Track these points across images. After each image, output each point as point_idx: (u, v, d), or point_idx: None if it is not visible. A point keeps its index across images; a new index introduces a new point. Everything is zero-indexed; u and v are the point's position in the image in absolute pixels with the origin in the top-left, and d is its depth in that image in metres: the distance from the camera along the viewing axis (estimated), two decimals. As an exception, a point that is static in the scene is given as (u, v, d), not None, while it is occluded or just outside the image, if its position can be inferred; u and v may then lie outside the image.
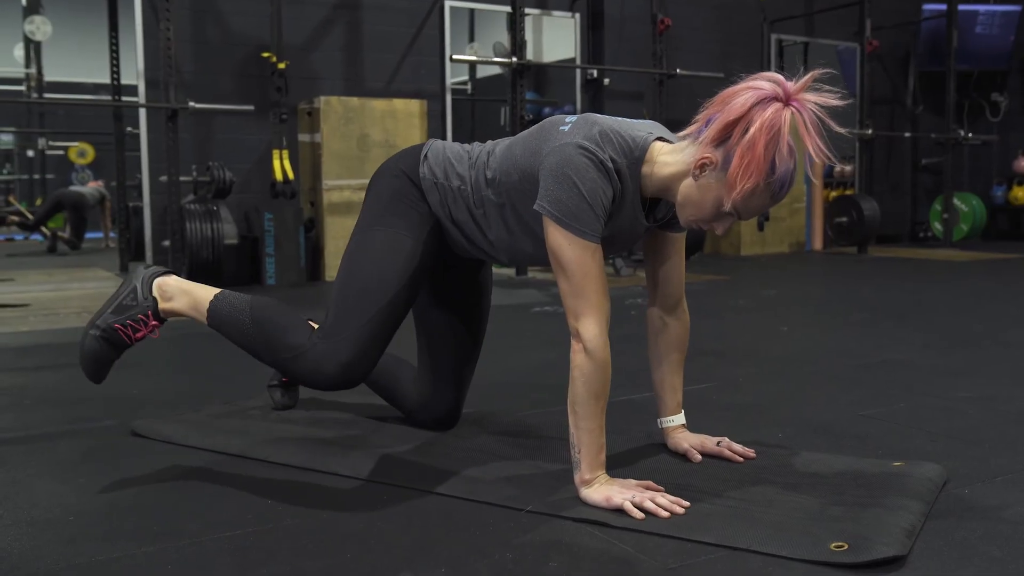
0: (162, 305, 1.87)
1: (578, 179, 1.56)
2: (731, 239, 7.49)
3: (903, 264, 6.63)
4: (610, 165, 1.58)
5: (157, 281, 1.89)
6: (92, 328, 1.87)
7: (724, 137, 1.50)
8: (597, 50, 7.16)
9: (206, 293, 1.87)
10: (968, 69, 8.67)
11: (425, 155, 1.85)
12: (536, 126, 1.72)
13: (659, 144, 1.63)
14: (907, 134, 8.45)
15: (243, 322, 1.80)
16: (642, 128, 1.66)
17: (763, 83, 1.50)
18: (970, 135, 8.13)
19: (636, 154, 1.61)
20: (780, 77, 1.50)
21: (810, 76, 1.50)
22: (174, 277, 1.92)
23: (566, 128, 1.62)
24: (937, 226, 8.59)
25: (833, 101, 1.49)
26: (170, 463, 1.89)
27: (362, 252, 1.79)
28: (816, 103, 1.49)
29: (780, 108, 1.48)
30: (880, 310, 4.18)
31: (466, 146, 1.86)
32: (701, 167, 1.54)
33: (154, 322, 1.87)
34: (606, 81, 7.02)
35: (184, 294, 1.88)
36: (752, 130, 1.47)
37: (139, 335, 1.86)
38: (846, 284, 5.42)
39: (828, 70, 1.54)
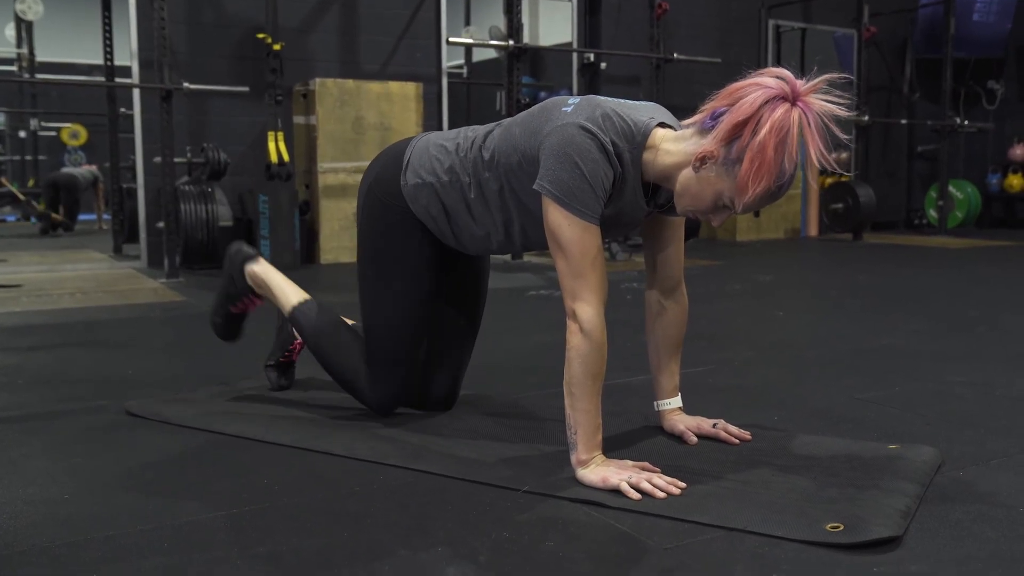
0: (257, 291, 2.17)
1: (580, 159, 1.55)
2: (727, 225, 7.49)
3: (898, 251, 6.64)
4: (610, 148, 1.57)
5: (248, 271, 2.16)
6: (217, 317, 2.23)
7: (733, 136, 1.49)
8: (594, 34, 7.13)
9: (289, 300, 2.12)
10: (965, 56, 8.65)
11: (408, 160, 1.85)
12: (537, 106, 1.71)
13: (661, 131, 1.62)
14: (903, 121, 8.44)
15: (316, 352, 2.08)
16: (644, 112, 1.65)
17: (770, 80, 1.48)
18: (966, 122, 8.12)
19: (638, 139, 1.60)
20: (787, 73, 1.49)
21: (822, 79, 1.49)
22: (262, 267, 2.17)
23: (568, 109, 1.61)
24: (932, 213, 8.60)
25: (839, 111, 1.48)
26: (165, 443, 1.89)
27: (378, 304, 1.94)
28: (823, 107, 1.47)
29: (789, 109, 1.46)
30: (875, 296, 4.19)
31: (457, 135, 1.85)
32: (702, 160, 1.53)
33: (259, 300, 2.20)
34: (603, 65, 6.99)
35: (271, 293, 2.15)
36: (762, 133, 1.45)
37: (253, 307, 2.22)
38: (841, 270, 5.43)
39: (844, 75, 1.53)
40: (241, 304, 2.18)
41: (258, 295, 2.16)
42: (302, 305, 2.09)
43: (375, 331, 1.94)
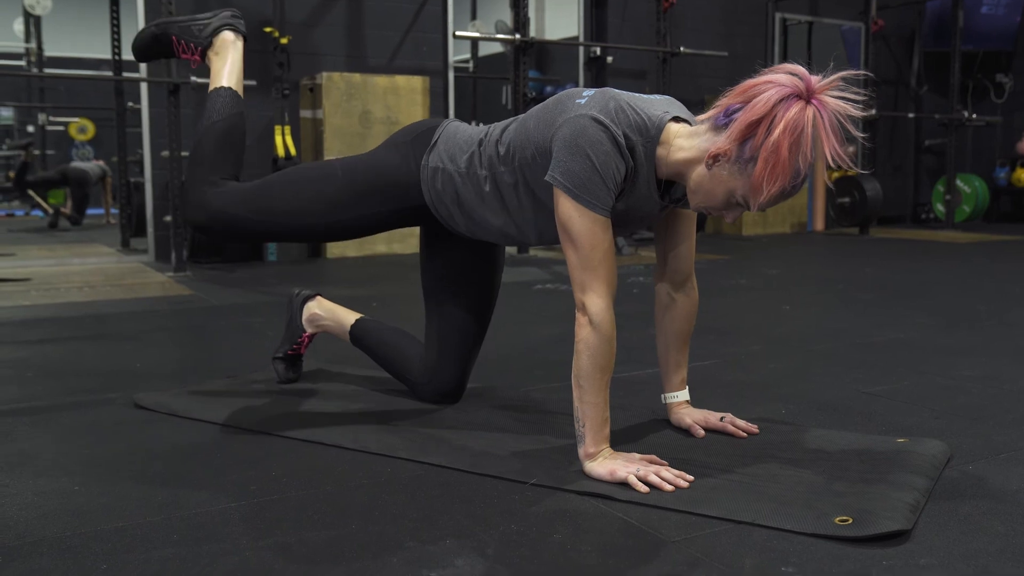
0: (210, 53, 2.05)
1: (592, 151, 1.55)
2: (733, 219, 7.47)
3: (905, 245, 6.62)
4: (622, 141, 1.57)
5: (223, 35, 2.05)
6: (155, 26, 2.09)
7: (747, 136, 1.48)
8: (600, 28, 7.12)
9: (224, 79, 2.01)
10: (973, 49, 8.61)
11: (435, 142, 1.85)
12: (552, 98, 1.70)
13: (675, 126, 1.62)
14: (911, 115, 8.41)
15: (205, 123, 1.97)
16: (658, 106, 1.64)
17: (784, 77, 1.48)
18: (974, 116, 8.09)
19: (651, 133, 1.60)
20: (802, 70, 1.48)
21: (837, 76, 1.48)
22: (238, 44, 2.06)
23: (582, 100, 1.61)
24: (939, 207, 8.57)
25: (853, 111, 1.47)
26: (174, 435, 1.90)
27: (312, 180, 1.86)
28: (837, 105, 1.47)
29: (803, 107, 1.45)
30: (882, 290, 4.18)
31: (482, 129, 1.84)
32: (715, 158, 1.52)
33: (198, 58, 2.06)
34: (609, 59, 6.98)
35: (223, 63, 2.03)
36: (776, 133, 1.45)
37: (184, 56, 2.08)
38: (848, 264, 5.42)
39: (859, 72, 1.53)
40: (183, 47, 2.07)
41: (202, 57, 2.07)
42: (230, 89, 2.01)
43: (271, 201, 1.85)
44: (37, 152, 10.29)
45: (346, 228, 1.88)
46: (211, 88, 2.01)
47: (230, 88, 2.00)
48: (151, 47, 2.10)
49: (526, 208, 1.74)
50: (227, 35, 2.05)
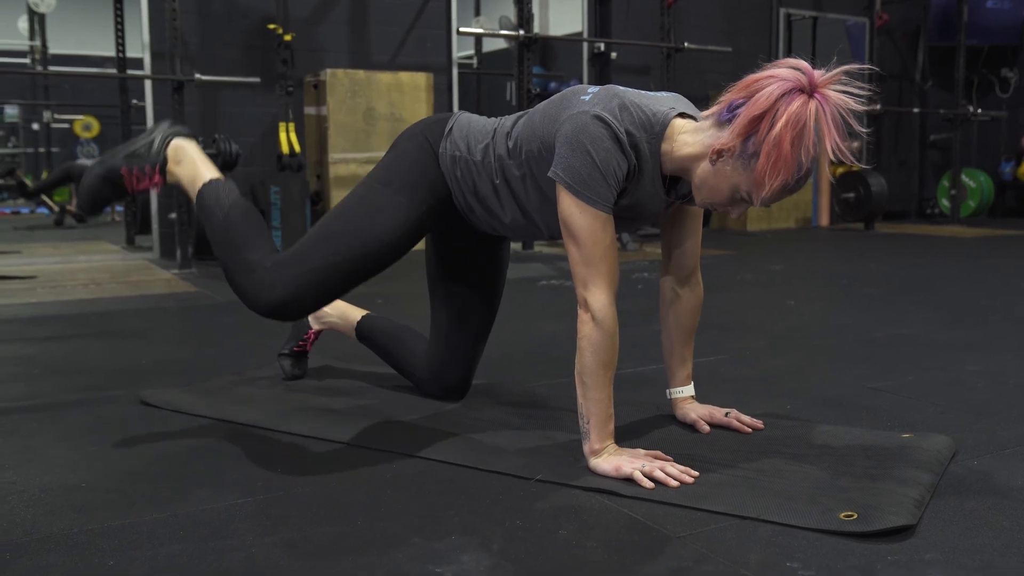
0: (170, 166, 1.90)
1: (592, 148, 1.55)
2: (737, 215, 7.46)
3: (910, 240, 6.60)
4: (624, 138, 1.57)
5: (174, 143, 1.91)
6: (98, 166, 1.89)
7: (750, 131, 1.48)
8: (604, 23, 7.11)
9: (205, 174, 1.88)
10: (978, 44, 8.59)
11: (450, 129, 1.84)
12: (558, 94, 1.71)
13: (680, 122, 1.62)
14: (916, 109, 8.38)
15: (217, 217, 1.82)
16: (663, 102, 1.64)
17: (787, 72, 1.47)
18: (979, 111, 8.07)
19: (656, 129, 1.60)
20: (804, 64, 1.48)
21: (840, 71, 1.48)
22: (193, 145, 1.93)
23: (587, 98, 1.61)
24: (944, 202, 8.55)
25: (856, 105, 1.47)
26: (180, 432, 1.90)
27: (356, 202, 1.81)
28: (839, 99, 1.46)
29: (805, 101, 1.45)
30: (887, 285, 4.17)
31: (495, 121, 1.85)
32: (718, 154, 1.52)
33: (158, 178, 1.90)
34: (613, 55, 6.97)
35: (191, 165, 1.89)
36: (778, 127, 1.45)
37: (141, 186, 1.89)
38: (853, 260, 5.41)
39: (863, 65, 1.52)
40: (136, 176, 1.88)
41: (162, 174, 1.88)
42: (219, 180, 1.87)
43: (330, 239, 1.74)
44: (36, 148, 10.31)
45: (406, 239, 1.79)
46: (196, 191, 1.86)
47: (217, 179, 1.87)
48: (101, 190, 1.89)
49: (533, 201, 1.74)
50: (178, 141, 1.91)
